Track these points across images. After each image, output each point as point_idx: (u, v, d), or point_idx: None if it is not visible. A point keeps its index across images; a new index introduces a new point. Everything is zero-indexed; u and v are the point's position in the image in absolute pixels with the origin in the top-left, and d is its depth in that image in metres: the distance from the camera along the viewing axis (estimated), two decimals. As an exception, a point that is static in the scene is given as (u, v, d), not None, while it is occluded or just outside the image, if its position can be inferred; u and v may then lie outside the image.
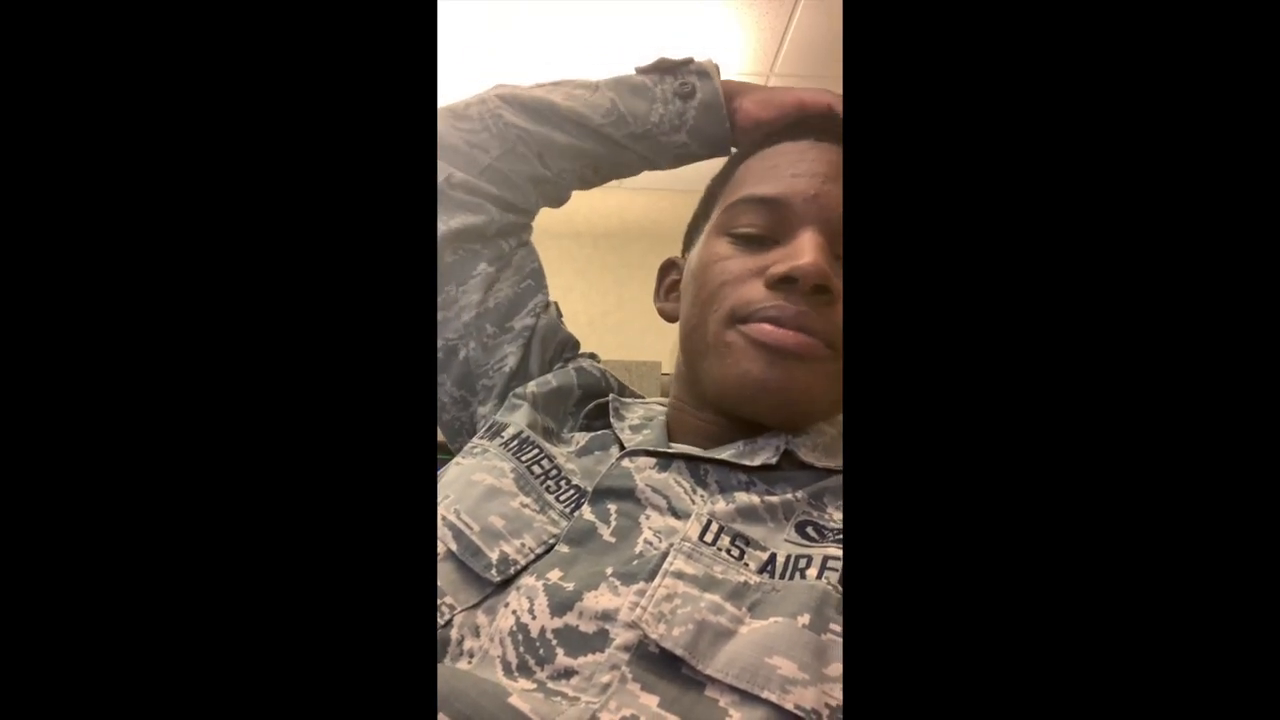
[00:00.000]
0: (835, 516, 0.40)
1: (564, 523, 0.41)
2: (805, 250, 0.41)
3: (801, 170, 0.44)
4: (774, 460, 0.42)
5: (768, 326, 0.41)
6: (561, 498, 0.44)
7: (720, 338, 0.43)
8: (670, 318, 0.53)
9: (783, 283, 0.41)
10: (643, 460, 0.43)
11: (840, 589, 0.34)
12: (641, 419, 0.52)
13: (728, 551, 0.37)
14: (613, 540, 0.39)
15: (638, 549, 0.38)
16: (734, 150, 0.53)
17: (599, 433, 0.50)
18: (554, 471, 0.45)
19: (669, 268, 0.55)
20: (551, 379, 0.53)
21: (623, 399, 0.54)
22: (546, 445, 0.47)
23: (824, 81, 0.53)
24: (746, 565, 0.36)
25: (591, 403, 0.54)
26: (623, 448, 0.46)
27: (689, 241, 0.52)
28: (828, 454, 0.44)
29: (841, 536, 0.38)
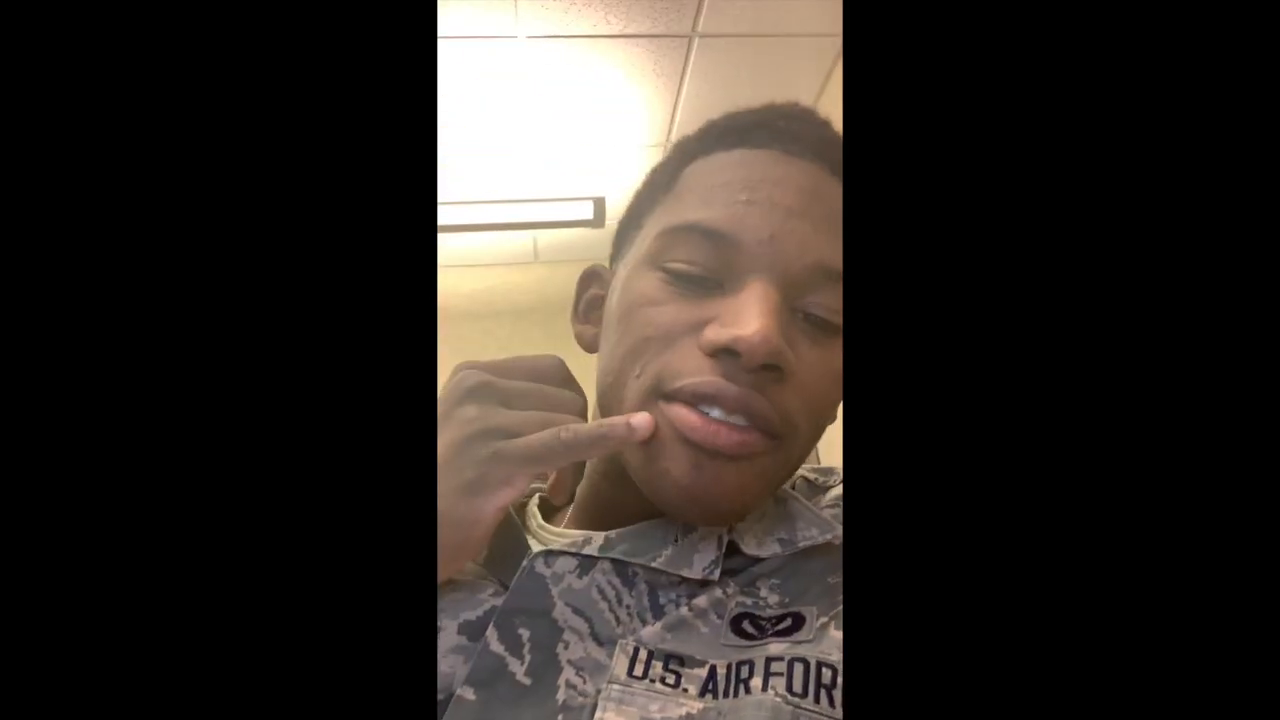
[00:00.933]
0: (770, 599, 0.36)
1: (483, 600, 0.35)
2: (751, 313, 0.32)
3: (759, 196, 0.35)
4: (715, 574, 0.35)
5: (695, 419, 0.33)
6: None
7: (649, 405, 0.35)
8: (588, 347, 0.43)
9: (723, 353, 0.33)
10: (562, 564, 0.36)
11: (789, 696, 0.30)
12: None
13: (662, 680, 0.32)
14: (528, 682, 0.32)
15: (560, 697, 0.32)
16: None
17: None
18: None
19: (591, 279, 0.45)
20: None
21: None
22: None
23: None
24: (685, 690, 0.32)
25: None
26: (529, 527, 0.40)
27: (618, 248, 0.44)
28: (768, 536, 0.38)
29: (779, 626, 0.34)
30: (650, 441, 0.34)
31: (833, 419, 0.39)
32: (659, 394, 0.34)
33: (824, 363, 0.35)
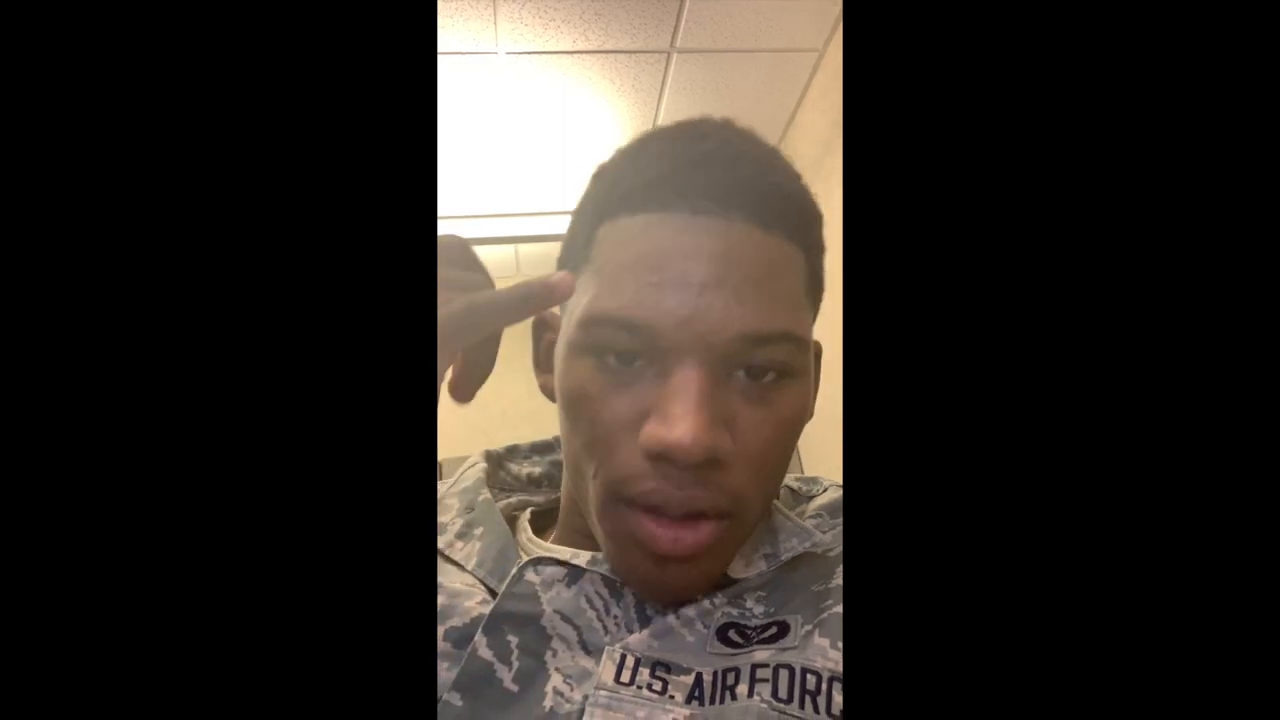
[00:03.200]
0: (756, 610, 0.36)
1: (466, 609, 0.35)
2: (678, 411, 0.31)
3: (669, 275, 0.32)
4: (699, 599, 0.36)
5: (654, 530, 0.33)
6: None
7: (603, 511, 0.35)
8: (553, 397, 0.42)
9: (659, 457, 0.32)
10: (550, 572, 0.36)
11: (774, 702, 0.31)
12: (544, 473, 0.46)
13: (649, 687, 0.32)
14: (515, 689, 0.33)
15: (547, 704, 0.32)
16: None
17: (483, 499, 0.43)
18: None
19: (542, 329, 0.44)
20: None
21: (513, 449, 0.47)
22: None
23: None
24: (672, 698, 0.32)
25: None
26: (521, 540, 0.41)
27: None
28: (754, 554, 0.38)
29: (765, 634, 0.35)
30: (615, 536, 0.34)
31: (781, 476, 0.38)
32: (617, 498, 0.34)
33: (767, 421, 0.34)
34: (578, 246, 0.38)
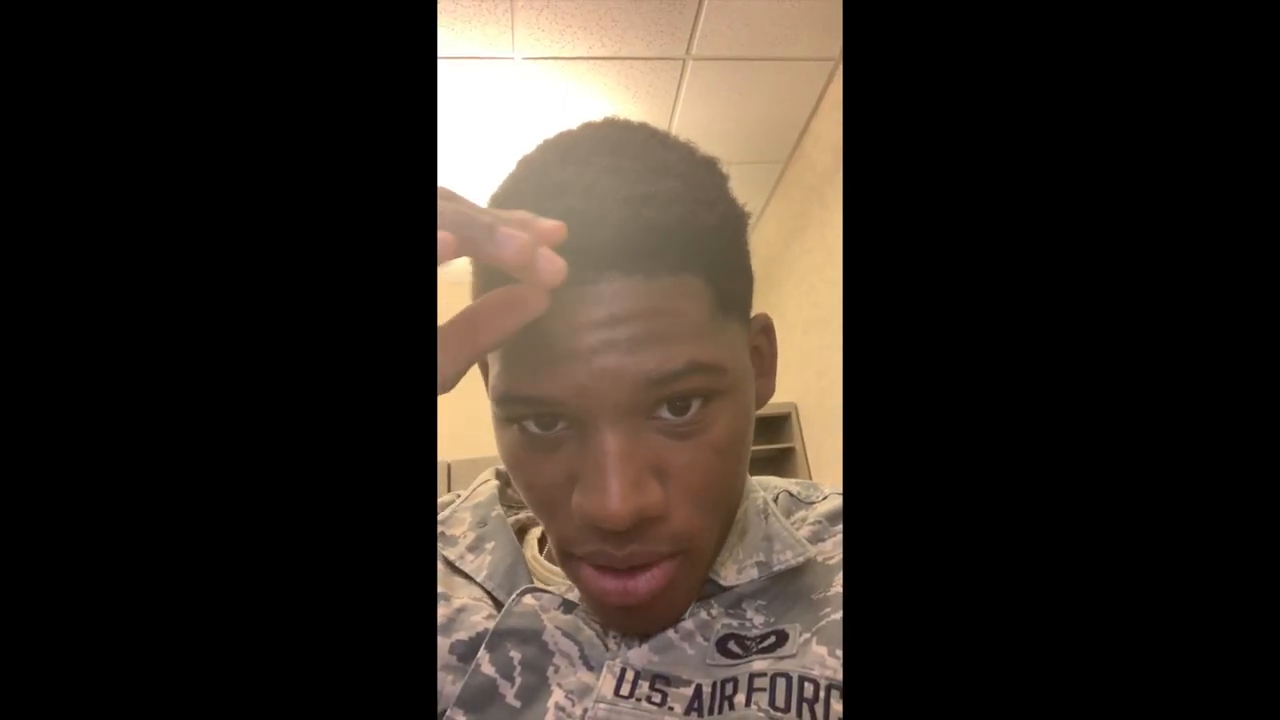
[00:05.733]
0: (755, 620, 0.36)
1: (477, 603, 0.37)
2: (600, 481, 0.31)
3: (557, 350, 0.31)
4: (685, 614, 0.36)
5: (607, 585, 0.33)
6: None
7: (561, 562, 0.35)
8: None
9: (592, 526, 0.32)
10: (549, 598, 0.38)
11: (772, 711, 0.31)
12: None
13: (648, 700, 0.33)
14: (517, 705, 0.34)
15: (549, 719, 0.33)
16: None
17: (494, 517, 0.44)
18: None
19: (486, 365, 0.42)
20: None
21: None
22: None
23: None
24: (671, 709, 0.33)
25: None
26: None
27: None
28: (747, 561, 0.38)
29: (764, 644, 0.35)
30: (579, 584, 0.35)
31: (736, 490, 0.37)
32: (567, 555, 0.34)
33: (702, 451, 0.33)
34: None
